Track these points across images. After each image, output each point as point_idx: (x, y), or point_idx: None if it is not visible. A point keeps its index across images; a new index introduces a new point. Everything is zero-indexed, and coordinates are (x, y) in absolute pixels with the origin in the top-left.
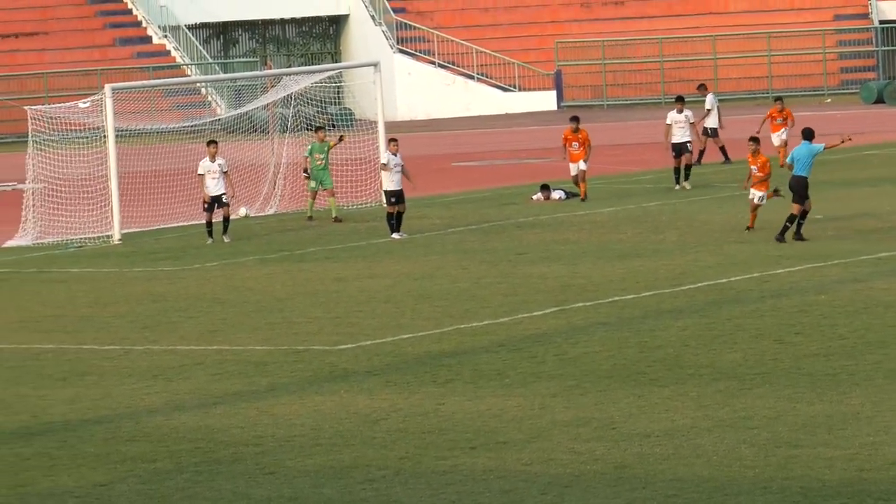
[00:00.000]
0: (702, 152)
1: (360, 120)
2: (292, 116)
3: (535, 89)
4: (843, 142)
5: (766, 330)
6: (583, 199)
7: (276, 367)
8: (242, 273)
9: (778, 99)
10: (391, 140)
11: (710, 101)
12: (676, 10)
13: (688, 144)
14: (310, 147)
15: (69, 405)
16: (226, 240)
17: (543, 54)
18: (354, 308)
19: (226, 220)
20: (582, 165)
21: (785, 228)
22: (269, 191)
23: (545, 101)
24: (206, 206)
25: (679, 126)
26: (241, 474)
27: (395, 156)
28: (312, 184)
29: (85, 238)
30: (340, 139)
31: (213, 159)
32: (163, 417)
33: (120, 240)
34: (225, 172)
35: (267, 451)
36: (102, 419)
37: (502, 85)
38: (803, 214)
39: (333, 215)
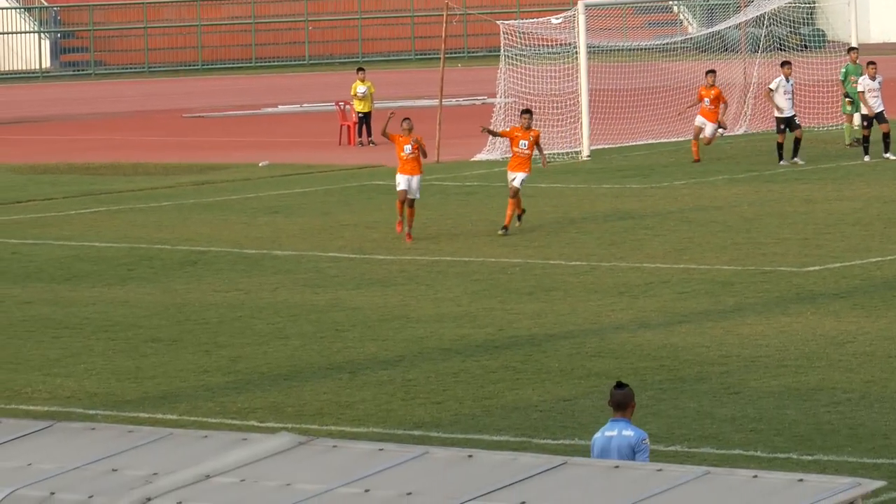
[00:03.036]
0: None
1: (832, 41)
2: (764, 36)
3: None
4: None
5: None
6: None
7: (742, 286)
8: (710, 192)
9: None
10: (869, 63)
11: None
12: None
13: None
14: (844, 69)
15: (534, 319)
16: (799, 162)
17: None
18: (822, 230)
19: (797, 141)
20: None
21: None
22: (739, 110)
23: None
24: (780, 127)
25: None
26: (706, 393)
27: (874, 80)
28: (848, 107)
29: (554, 153)
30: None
31: (787, 79)
32: (628, 334)
33: (589, 156)
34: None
35: (732, 371)
36: (567, 334)
37: None
38: None
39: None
